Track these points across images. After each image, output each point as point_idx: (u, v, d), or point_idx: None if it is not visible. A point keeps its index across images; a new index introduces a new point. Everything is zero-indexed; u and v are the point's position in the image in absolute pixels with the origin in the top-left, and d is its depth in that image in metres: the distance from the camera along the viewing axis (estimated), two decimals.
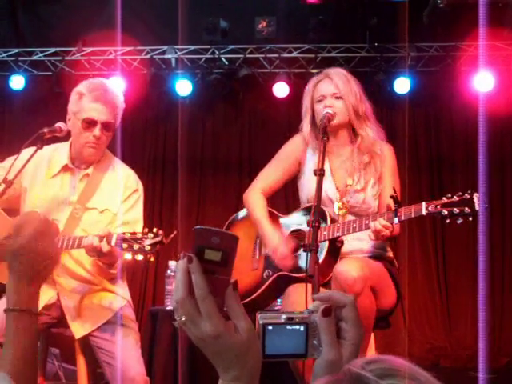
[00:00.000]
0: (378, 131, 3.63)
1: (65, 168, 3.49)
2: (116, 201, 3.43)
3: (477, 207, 2.95)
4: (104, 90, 3.46)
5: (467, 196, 2.99)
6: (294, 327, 1.25)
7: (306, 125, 3.65)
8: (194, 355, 4.54)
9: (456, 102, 7.08)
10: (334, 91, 3.57)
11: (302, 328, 1.25)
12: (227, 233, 1.23)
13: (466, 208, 2.96)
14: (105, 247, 3.06)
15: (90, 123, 3.39)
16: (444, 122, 7.45)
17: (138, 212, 3.50)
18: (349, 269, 3.16)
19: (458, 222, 3.00)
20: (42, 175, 3.48)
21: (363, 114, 3.58)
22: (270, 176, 3.76)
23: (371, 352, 3.49)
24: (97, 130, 3.39)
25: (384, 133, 3.67)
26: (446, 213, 2.99)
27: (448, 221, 3.01)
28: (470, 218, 2.98)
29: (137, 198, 3.51)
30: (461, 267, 7.21)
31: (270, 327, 1.24)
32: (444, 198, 3.03)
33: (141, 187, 3.57)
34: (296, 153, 3.72)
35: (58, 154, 3.53)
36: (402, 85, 6.94)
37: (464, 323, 7.10)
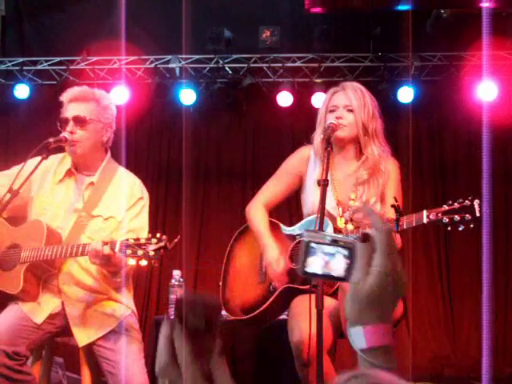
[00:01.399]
0: (384, 149, 3.61)
1: (69, 173, 3.53)
2: (121, 208, 3.45)
3: (477, 214, 2.93)
4: (79, 90, 3.61)
5: (468, 203, 2.97)
6: (337, 249, 1.23)
7: (317, 135, 3.64)
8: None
9: (459, 112, 7.08)
10: (347, 103, 3.56)
11: (345, 252, 1.23)
12: (211, 301, 1.23)
13: (467, 215, 2.95)
14: (106, 250, 3.07)
15: (63, 122, 3.50)
16: (447, 131, 7.45)
17: (143, 220, 3.51)
18: None
19: (460, 229, 2.99)
20: (48, 183, 3.51)
21: (372, 132, 3.55)
22: (271, 190, 3.77)
23: None
24: (69, 126, 3.47)
25: (390, 150, 3.64)
26: (447, 220, 2.98)
27: (449, 228, 3.00)
28: (472, 225, 2.96)
29: (142, 205, 3.53)
30: (464, 276, 7.19)
31: (314, 245, 1.22)
32: (445, 206, 3.01)
33: (146, 195, 3.59)
34: (298, 168, 3.72)
35: (64, 162, 3.58)
36: (406, 94, 6.94)
37: (468, 332, 7.08)
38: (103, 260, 3.12)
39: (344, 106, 3.56)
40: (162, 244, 3.01)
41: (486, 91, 6.69)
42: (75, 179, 3.53)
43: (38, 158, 3.33)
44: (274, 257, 3.51)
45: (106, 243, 3.09)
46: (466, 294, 7.14)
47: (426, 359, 7.01)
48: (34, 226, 3.40)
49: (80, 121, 3.47)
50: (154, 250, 3.00)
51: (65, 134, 3.43)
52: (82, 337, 3.35)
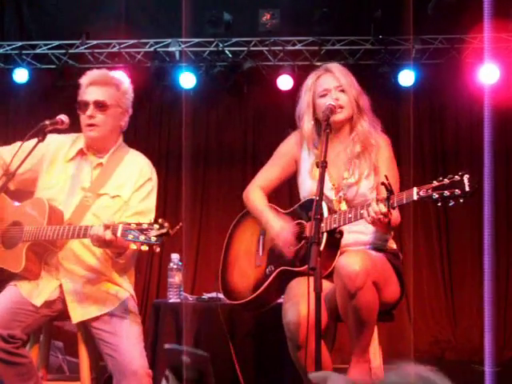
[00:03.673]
0: (374, 124, 3.61)
1: (80, 152, 3.52)
2: (128, 189, 3.45)
3: (467, 188, 2.90)
4: (99, 74, 3.57)
5: (457, 178, 2.94)
6: None
7: (307, 121, 3.62)
8: (198, 348, 4.54)
9: (461, 95, 7.05)
10: (337, 84, 3.56)
11: None
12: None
13: (457, 190, 2.92)
14: (108, 235, 3.06)
15: (83, 105, 3.48)
16: (449, 114, 7.42)
17: (151, 202, 3.51)
18: (351, 262, 3.14)
19: (450, 204, 2.95)
20: (59, 160, 3.51)
21: (362, 107, 3.57)
22: (267, 175, 3.78)
23: (374, 345, 3.48)
24: (89, 110, 3.45)
25: (380, 124, 3.64)
26: (436, 196, 2.94)
27: (440, 204, 2.97)
28: (461, 200, 2.93)
29: (151, 187, 3.52)
30: (466, 259, 7.19)
31: None
32: (435, 182, 2.98)
33: (155, 177, 3.58)
34: (292, 151, 3.72)
35: (77, 141, 3.58)
36: (407, 77, 6.92)
37: (469, 316, 7.09)
38: (105, 244, 3.11)
39: (335, 87, 3.55)
40: (163, 230, 2.99)
41: (487, 74, 6.67)
42: (86, 159, 3.53)
43: (35, 140, 3.32)
44: (279, 227, 3.50)
45: (107, 227, 3.07)
46: (467, 277, 7.14)
47: (427, 343, 7.02)
48: (36, 204, 3.39)
49: (100, 105, 3.46)
50: (155, 236, 2.99)
51: (61, 117, 3.41)
52: (77, 313, 3.33)
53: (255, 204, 3.70)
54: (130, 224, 3.04)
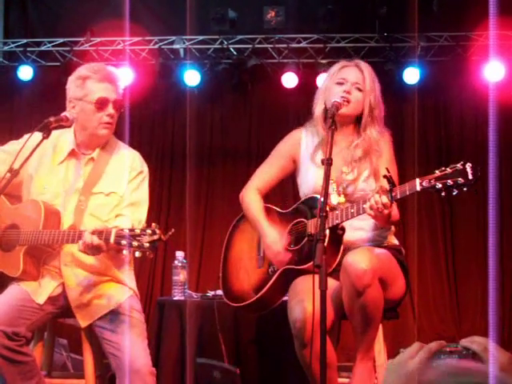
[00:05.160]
0: (382, 134, 3.57)
1: (71, 153, 3.47)
2: (122, 183, 3.42)
3: (470, 176, 2.90)
4: (106, 69, 3.51)
5: (460, 167, 2.94)
6: None
7: (319, 104, 3.59)
8: (202, 346, 4.53)
9: (466, 92, 7.03)
10: (357, 81, 3.51)
11: None
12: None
13: (460, 178, 2.91)
14: (96, 241, 3.03)
15: (102, 103, 3.39)
16: (454, 112, 7.40)
17: (143, 192, 3.48)
18: (358, 260, 3.13)
19: (454, 193, 2.95)
20: (47, 161, 3.46)
21: (376, 116, 3.53)
22: (264, 175, 3.76)
23: (379, 343, 3.47)
24: (110, 109, 3.40)
25: (389, 135, 3.61)
26: (440, 186, 2.94)
27: (443, 194, 2.97)
28: (465, 189, 2.93)
29: (142, 179, 3.49)
30: (471, 256, 7.17)
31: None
32: (437, 172, 2.97)
33: (146, 169, 3.55)
34: (290, 151, 3.70)
35: (63, 140, 3.52)
36: (412, 75, 6.90)
37: (473, 314, 7.07)
38: (96, 251, 3.08)
39: (353, 82, 3.51)
40: (155, 237, 2.96)
41: (493, 72, 6.64)
42: (76, 157, 3.49)
43: (39, 138, 3.29)
44: (272, 238, 3.49)
45: (100, 232, 3.03)
46: (472, 275, 7.12)
47: (431, 340, 6.96)
48: (31, 206, 3.37)
49: (117, 104, 3.42)
50: (148, 242, 2.96)
51: (66, 114, 3.38)
52: (84, 317, 3.33)
53: (250, 209, 3.68)
54: (123, 229, 3.01)
